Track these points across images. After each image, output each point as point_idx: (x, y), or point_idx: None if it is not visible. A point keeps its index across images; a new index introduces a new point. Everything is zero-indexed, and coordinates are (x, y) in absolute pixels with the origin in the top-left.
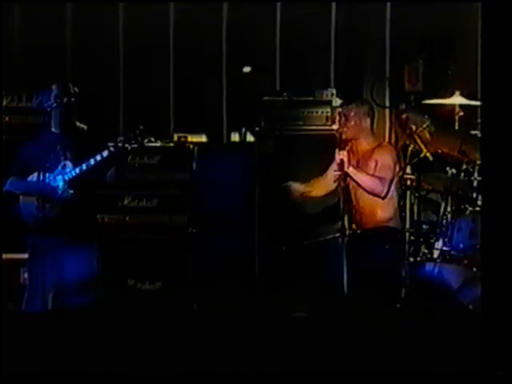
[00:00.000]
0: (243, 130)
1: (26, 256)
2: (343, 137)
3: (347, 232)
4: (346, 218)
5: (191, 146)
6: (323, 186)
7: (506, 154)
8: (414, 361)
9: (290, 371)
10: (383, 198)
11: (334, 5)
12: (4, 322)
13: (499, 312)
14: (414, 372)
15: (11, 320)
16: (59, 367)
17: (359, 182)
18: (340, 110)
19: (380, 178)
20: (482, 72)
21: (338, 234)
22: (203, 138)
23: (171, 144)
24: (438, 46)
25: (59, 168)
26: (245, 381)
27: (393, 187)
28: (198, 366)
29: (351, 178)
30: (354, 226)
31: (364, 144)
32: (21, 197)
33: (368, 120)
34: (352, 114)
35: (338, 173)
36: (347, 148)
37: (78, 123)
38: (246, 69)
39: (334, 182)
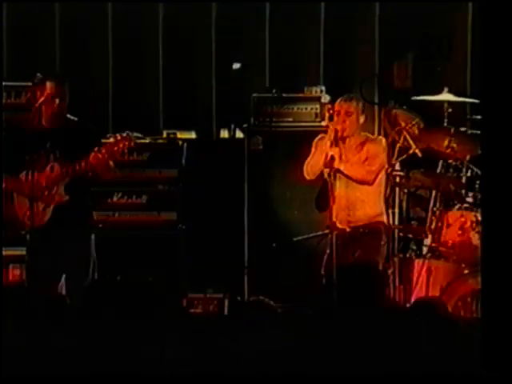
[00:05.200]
0: (232, 126)
1: (14, 252)
2: (339, 133)
3: (339, 228)
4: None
5: (180, 143)
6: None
7: (506, 154)
8: (414, 361)
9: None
10: (370, 185)
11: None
12: (4, 321)
13: (499, 312)
14: (414, 372)
15: (11, 320)
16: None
17: (350, 174)
18: (333, 106)
19: (370, 168)
20: (480, 70)
21: (327, 231)
22: (192, 135)
23: (160, 140)
24: (437, 45)
25: (48, 169)
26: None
27: (381, 180)
28: (186, 365)
29: (342, 174)
30: (339, 224)
31: (356, 139)
32: (15, 194)
33: (363, 116)
34: (350, 109)
35: (328, 169)
36: (338, 143)
37: (68, 115)
38: (236, 65)
39: (323, 177)
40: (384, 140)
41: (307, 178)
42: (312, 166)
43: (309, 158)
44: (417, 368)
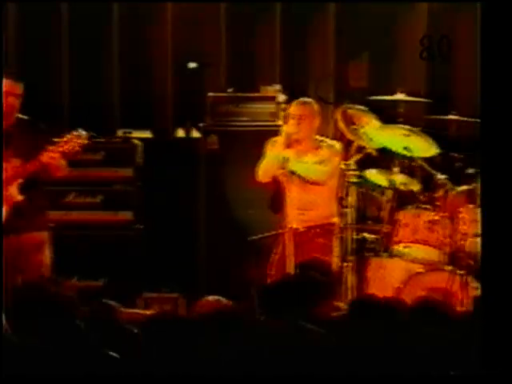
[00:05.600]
0: (188, 125)
1: None
2: (293, 136)
3: (294, 228)
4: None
5: (136, 142)
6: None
7: (506, 153)
8: (413, 361)
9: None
10: (322, 185)
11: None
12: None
13: (499, 311)
14: (413, 372)
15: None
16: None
17: (302, 174)
18: (288, 108)
19: (323, 168)
20: (480, 74)
21: (281, 231)
22: (148, 134)
23: (116, 139)
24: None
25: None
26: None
27: (335, 182)
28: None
29: (296, 175)
30: (293, 224)
31: (311, 142)
32: None
33: (317, 120)
34: (305, 113)
35: (282, 170)
36: (292, 146)
37: (20, 116)
38: (192, 64)
39: (276, 178)
40: (338, 144)
41: (260, 180)
42: (264, 168)
43: (261, 161)
44: (416, 368)
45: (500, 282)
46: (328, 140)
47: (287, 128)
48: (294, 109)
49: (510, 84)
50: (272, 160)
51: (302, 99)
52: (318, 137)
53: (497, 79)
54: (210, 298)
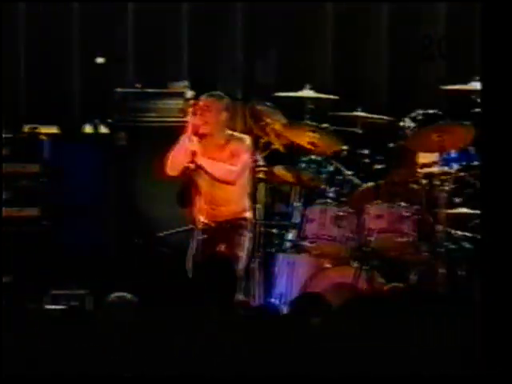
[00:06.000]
0: (96, 121)
1: None
2: (200, 130)
3: (203, 224)
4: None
5: (42, 137)
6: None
7: (506, 152)
8: (413, 361)
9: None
10: (232, 184)
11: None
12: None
13: (499, 311)
14: (413, 372)
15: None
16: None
17: (211, 172)
18: (196, 102)
19: (232, 167)
20: (481, 71)
21: (191, 226)
22: (55, 130)
23: (22, 135)
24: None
25: None
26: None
27: (246, 178)
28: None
29: (203, 170)
30: (204, 219)
31: (220, 137)
32: None
33: (225, 114)
34: (213, 106)
35: (191, 164)
36: (200, 139)
37: None
38: (99, 60)
39: (186, 173)
40: (248, 139)
41: (169, 173)
42: (173, 161)
43: (170, 153)
44: (415, 368)
45: (500, 282)
46: (238, 134)
47: (194, 121)
48: (201, 102)
49: (510, 84)
50: (179, 153)
51: (211, 92)
52: (228, 132)
53: (497, 79)
54: (116, 294)
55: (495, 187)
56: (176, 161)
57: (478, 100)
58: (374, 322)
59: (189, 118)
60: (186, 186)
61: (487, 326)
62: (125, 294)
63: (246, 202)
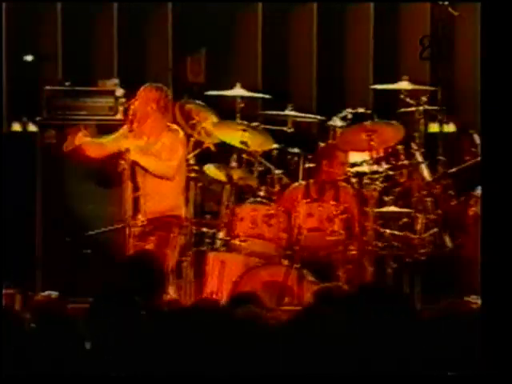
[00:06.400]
0: (24, 119)
1: None
2: (135, 125)
3: (134, 221)
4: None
5: None
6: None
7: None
8: (413, 361)
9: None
10: (171, 180)
11: None
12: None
13: (499, 311)
14: (413, 372)
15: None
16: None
17: (146, 167)
18: (131, 98)
19: (168, 161)
20: (481, 72)
21: (121, 225)
22: None
23: None
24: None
25: None
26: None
27: (180, 174)
28: None
29: (138, 165)
30: (140, 216)
31: (153, 132)
32: None
33: (158, 103)
34: (148, 102)
35: (124, 162)
36: (134, 134)
37: None
38: (28, 57)
39: (120, 170)
40: (181, 132)
41: (92, 155)
42: (102, 148)
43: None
44: (415, 368)
45: (500, 282)
46: (172, 125)
47: (129, 117)
48: (136, 98)
49: (511, 84)
50: (111, 145)
51: (150, 83)
52: (161, 125)
53: (497, 80)
54: (44, 293)
55: (495, 188)
56: (103, 149)
57: (407, 99)
58: (368, 319)
59: (121, 119)
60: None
61: (487, 325)
62: (52, 292)
63: (180, 199)
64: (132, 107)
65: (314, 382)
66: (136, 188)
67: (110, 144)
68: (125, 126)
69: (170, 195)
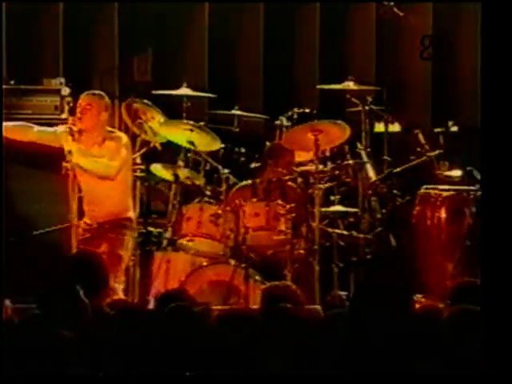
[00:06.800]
0: None
1: None
2: (78, 127)
3: (82, 223)
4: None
5: None
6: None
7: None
8: (413, 361)
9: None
10: (112, 179)
11: None
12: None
13: (499, 311)
14: (413, 372)
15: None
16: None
17: (90, 169)
18: (75, 98)
19: (111, 163)
20: (481, 72)
21: (68, 225)
22: None
23: None
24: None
25: None
26: None
27: (127, 176)
28: None
29: (81, 168)
30: (85, 220)
31: (97, 134)
32: None
33: (105, 113)
34: (91, 104)
35: (67, 164)
36: (77, 138)
37: None
38: None
39: (63, 172)
40: (125, 137)
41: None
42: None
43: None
44: (415, 368)
45: (500, 282)
46: (116, 132)
47: (73, 119)
48: (80, 100)
49: (511, 84)
50: (44, 132)
51: (91, 91)
52: (109, 128)
53: (497, 80)
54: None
55: (495, 190)
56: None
57: (353, 99)
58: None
59: (66, 118)
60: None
61: (487, 326)
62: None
63: (129, 201)
64: (78, 112)
65: (313, 382)
66: (83, 190)
67: (41, 133)
68: (63, 126)
69: (119, 197)
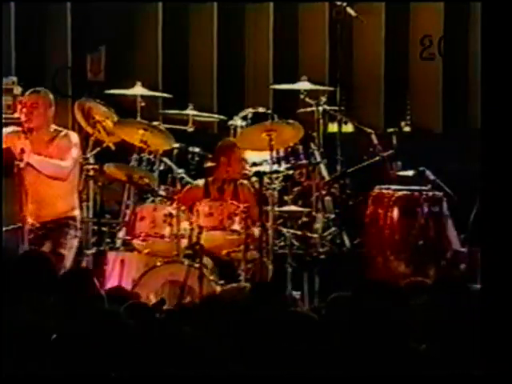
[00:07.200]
0: None
1: None
2: (27, 126)
3: (28, 224)
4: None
5: None
6: None
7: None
8: (413, 360)
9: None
10: (64, 180)
11: None
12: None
13: (499, 311)
14: (413, 372)
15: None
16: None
17: (42, 169)
18: (23, 98)
19: (62, 162)
20: (481, 72)
21: (17, 225)
22: None
23: None
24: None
25: None
26: None
27: (74, 174)
28: None
29: (33, 167)
30: (31, 218)
31: (46, 133)
32: None
33: (50, 110)
34: (37, 102)
35: (20, 163)
36: (26, 136)
37: None
38: None
39: (15, 171)
40: (74, 135)
41: None
42: None
43: None
44: (415, 368)
45: (500, 282)
46: (64, 130)
47: (21, 118)
48: (25, 98)
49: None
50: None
51: (35, 88)
52: (54, 127)
53: (497, 80)
54: None
55: (495, 190)
56: None
57: (307, 99)
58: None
59: (18, 115)
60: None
61: (487, 325)
62: None
63: (75, 200)
64: (24, 110)
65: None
66: (31, 189)
67: None
68: (11, 127)
69: (66, 195)
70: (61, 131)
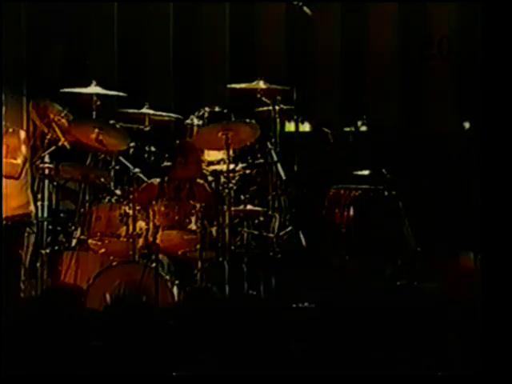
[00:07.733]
0: None
1: None
2: None
3: None
4: None
5: None
6: None
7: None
8: (413, 360)
9: None
10: (17, 178)
11: None
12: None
13: (499, 311)
14: (414, 372)
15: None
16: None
17: None
18: None
19: (14, 160)
20: (481, 73)
21: None
22: None
23: None
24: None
25: None
26: None
27: (26, 172)
28: None
29: None
30: None
31: None
32: None
33: (3, 108)
34: None
35: None
36: None
37: None
38: None
39: None
40: (23, 132)
41: None
42: None
43: None
44: (416, 368)
45: (500, 282)
46: (12, 129)
47: None
48: None
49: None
50: None
51: None
52: (3, 125)
53: (497, 80)
54: None
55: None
56: None
57: (263, 98)
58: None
59: None
60: None
61: (487, 326)
62: None
63: (29, 196)
64: None
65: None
66: None
67: None
68: None
69: (18, 193)
70: (9, 130)
